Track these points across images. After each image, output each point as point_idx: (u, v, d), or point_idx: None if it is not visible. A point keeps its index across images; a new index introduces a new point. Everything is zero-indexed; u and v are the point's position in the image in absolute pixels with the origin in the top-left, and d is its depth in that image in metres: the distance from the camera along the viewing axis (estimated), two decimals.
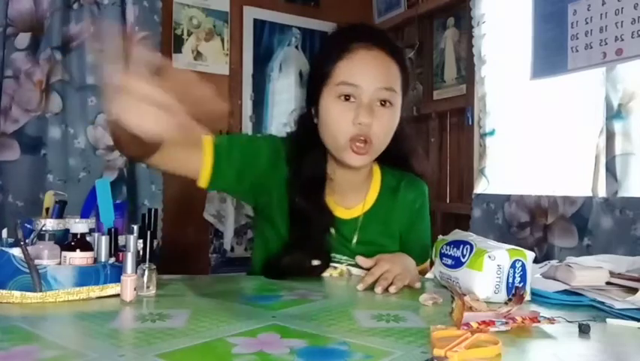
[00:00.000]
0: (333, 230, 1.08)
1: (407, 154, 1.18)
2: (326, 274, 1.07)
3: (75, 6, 2.40)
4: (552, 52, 2.10)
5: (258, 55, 3.24)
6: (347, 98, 0.99)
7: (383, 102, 1.00)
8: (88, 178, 2.37)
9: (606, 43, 1.89)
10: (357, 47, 1.00)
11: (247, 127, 3.21)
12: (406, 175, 1.19)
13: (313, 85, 1.05)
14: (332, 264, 1.07)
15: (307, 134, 1.06)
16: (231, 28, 3.12)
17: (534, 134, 2.26)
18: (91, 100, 2.43)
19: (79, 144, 2.41)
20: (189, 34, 2.98)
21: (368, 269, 0.99)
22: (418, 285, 0.93)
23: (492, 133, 2.43)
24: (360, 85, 0.98)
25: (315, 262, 1.05)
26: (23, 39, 2.31)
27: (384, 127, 1.01)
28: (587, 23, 1.97)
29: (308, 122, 1.07)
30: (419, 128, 2.92)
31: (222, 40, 3.08)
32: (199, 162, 0.98)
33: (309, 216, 1.03)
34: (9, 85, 2.27)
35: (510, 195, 2.25)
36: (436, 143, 2.83)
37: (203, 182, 1.00)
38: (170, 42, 2.94)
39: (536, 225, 2.12)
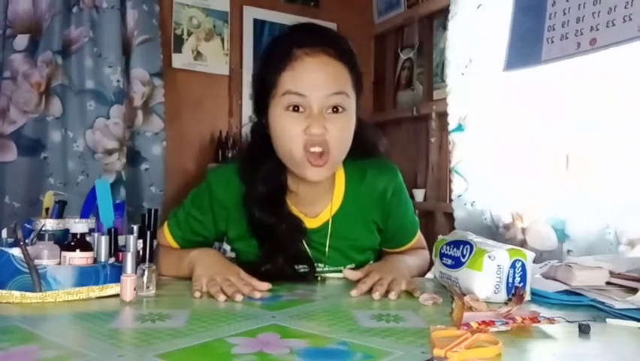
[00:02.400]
0: (304, 241, 1.03)
1: (372, 149, 1.12)
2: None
3: (75, 9, 2.40)
4: (528, 43, 2.07)
5: (258, 55, 3.24)
6: (295, 108, 0.93)
7: (335, 109, 0.94)
8: (86, 181, 2.38)
9: (581, 34, 1.86)
10: (300, 54, 0.93)
11: (247, 127, 3.20)
12: (372, 162, 1.10)
13: (259, 95, 1.00)
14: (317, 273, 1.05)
15: (261, 145, 1.01)
16: (231, 28, 3.12)
17: (508, 129, 2.18)
18: (89, 104, 2.43)
19: (77, 148, 2.41)
20: (189, 34, 2.98)
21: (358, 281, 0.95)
22: (417, 293, 0.88)
23: (460, 129, 2.40)
24: (307, 94, 0.92)
25: (302, 268, 1.02)
26: (22, 41, 2.31)
27: (339, 134, 0.95)
28: (564, 14, 1.94)
29: (261, 133, 1.02)
30: (419, 128, 2.93)
31: (222, 40, 3.08)
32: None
33: (274, 229, 1.00)
34: (7, 86, 2.27)
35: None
36: (436, 143, 2.83)
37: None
38: (170, 42, 2.94)
39: (515, 227, 2.11)
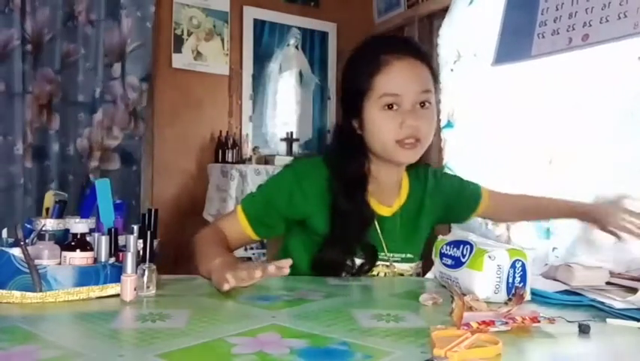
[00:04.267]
0: (378, 227, 1.14)
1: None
2: (374, 272, 1.13)
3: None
4: (518, 38, 2.07)
5: (258, 55, 3.24)
6: (390, 107, 1.07)
7: (422, 104, 1.08)
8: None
9: (573, 29, 1.87)
10: (390, 59, 1.07)
11: (247, 127, 3.21)
12: (420, 166, 1.25)
13: (352, 99, 1.11)
14: (379, 262, 1.13)
15: (350, 143, 1.14)
16: (231, 28, 3.12)
17: (496, 126, 2.20)
18: None
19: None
20: (189, 34, 2.98)
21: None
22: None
23: (450, 125, 2.39)
24: (401, 94, 1.06)
25: (359, 260, 1.10)
26: (117, 68, 2.70)
27: (429, 126, 1.09)
28: (557, 9, 1.95)
29: (349, 133, 1.14)
30: None
31: (222, 40, 3.08)
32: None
33: (350, 214, 1.10)
34: (108, 109, 2.68)
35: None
36: (436, 143, 2.83)
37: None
38: (170, 42, 2.94)
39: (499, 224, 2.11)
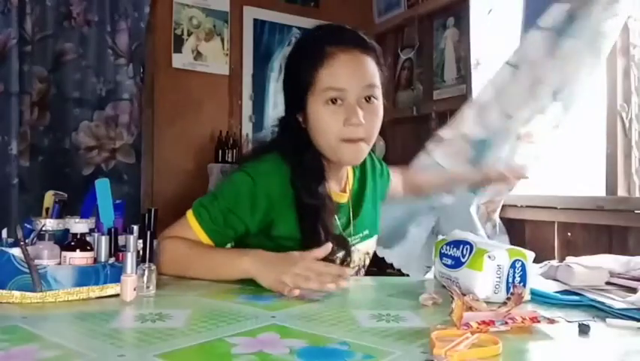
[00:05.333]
0: (336, 216, 1.12)
1: None
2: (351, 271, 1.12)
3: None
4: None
5: (258, 55, 3.24)
6: (334, 101, 1.02)
7: (368, 98, 1.04)
8: None
9: None
10: (335, 51, 1.02)
11: (247, 127, 3.20)
12: None
13: (295, 92, 1.07)
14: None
15: (297, 137, 1.08)
16: (231, 28, 3.12)
17: None
18: None
19: None
20: (189, 34, 2.98)
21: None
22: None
23: None
24: (345, 88, 1.01)
25: (337, 255, 1.08)
26: (115, 68, 2.71)
27: (374, 121, 1.05)
28: None
29: (295, 127, 1.09)
30: (419, 128, 2.92)
31: (222, 40, 3.08)
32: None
33: (317, 207, 1.06)
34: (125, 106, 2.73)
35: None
36: None
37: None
38: (170, 42, 2.93)
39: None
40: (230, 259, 0.99)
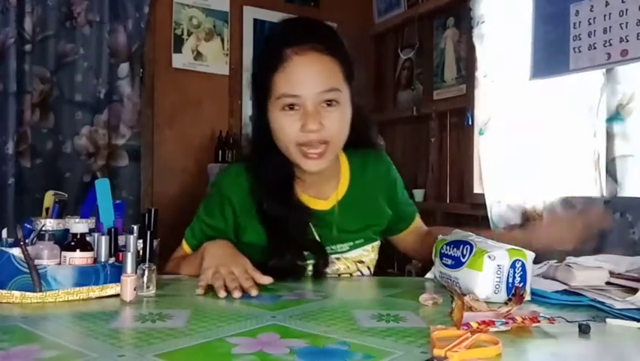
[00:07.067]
0: (311, 225, 1.07)
1: (367, 133, 1.18)
2: (336, 272, 1.09)
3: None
4: (553, 52, 2.09)
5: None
6: (291, 107, 0.97)
7: (329, 102, 0.98)
8: None
9: (610, 44, 1.88)
10: (290, 54, 0.96)
11: (247, 127, 3.20)
12: (368, 152, 1.19)
13: (256, 97, 1.04)
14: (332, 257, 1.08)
15: (265, 140, 1.04)
16: (231, 28, 3.12)
17: (530, 135, 2.27)
18: None
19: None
20: (189, 34, 2.98)
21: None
22: None
23: (481, 133, 2.42)
24: (301, 94, 0.96)
25: (310, 261, 1.05)
26: (124, 68, 2.73)
27: (334, 127, 0.99)
28: (589, 24, 1.96)
29: (263, 129, 1.04)
30: (419, 128, 2.93)
31: (222, 40, 3.08)
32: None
33: (284, 217, 1.03)
34: (116, 107, 2.72)
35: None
36: (436, 143, 2.83)
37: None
38: (170, 42, 2.93)
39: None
40: (201, 249, 1.02)
